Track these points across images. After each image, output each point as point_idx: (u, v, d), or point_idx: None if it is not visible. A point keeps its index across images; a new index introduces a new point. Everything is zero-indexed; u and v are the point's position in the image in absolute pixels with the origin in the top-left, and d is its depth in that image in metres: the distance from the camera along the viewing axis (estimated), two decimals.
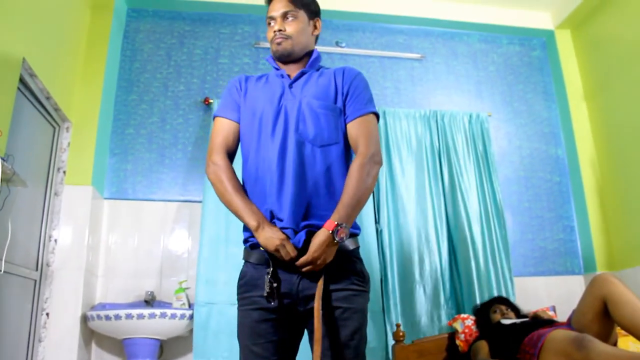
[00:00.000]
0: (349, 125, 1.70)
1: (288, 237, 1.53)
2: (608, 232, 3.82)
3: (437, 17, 4.14)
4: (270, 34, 1.77)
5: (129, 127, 3.61)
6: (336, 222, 1.50)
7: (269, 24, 1.79)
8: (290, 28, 1.74)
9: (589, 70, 4.12)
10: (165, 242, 3.43)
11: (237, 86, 1.80)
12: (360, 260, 1.66)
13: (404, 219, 3.55)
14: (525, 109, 4.18)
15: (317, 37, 1.87)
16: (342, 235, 1.49)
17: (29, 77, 2.60)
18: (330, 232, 1.49)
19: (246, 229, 1.63)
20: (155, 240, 3.42)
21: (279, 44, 1.74)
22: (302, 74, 1.75)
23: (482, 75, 4.21)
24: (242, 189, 1.67)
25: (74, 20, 3.26)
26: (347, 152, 1.71)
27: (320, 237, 1.50)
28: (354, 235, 1.63)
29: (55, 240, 3.02)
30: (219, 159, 1.68)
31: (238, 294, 1.64)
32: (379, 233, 3.49)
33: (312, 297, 1.54)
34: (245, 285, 1.62)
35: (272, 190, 1.59)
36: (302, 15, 1.77)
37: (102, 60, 3.41)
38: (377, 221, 3.52)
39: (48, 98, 2.87)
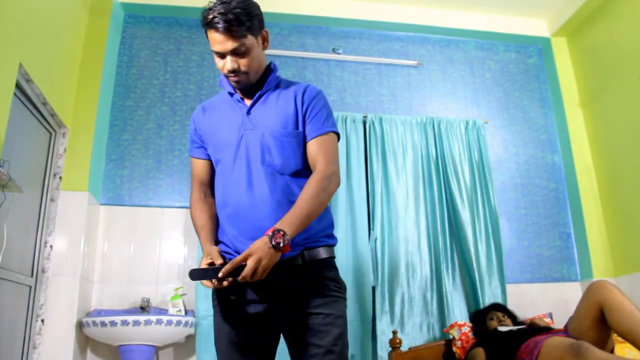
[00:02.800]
0: (308, 144, 1.63)
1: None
2: (604, 239, 3.82)
3: (433, 24, 4.16)
4: (223, 69, 1.59)
5: (125, 133, 3.60)
6: (275, 227, 1.42)
7: (217, 55, 1.58)
8: (243, 62, 1.56)
9: (585, 77, 4.13)
10: (162, 248, 3.42)
11: (195, 125, 1.76)
12: (336, 268, 1.64)
13: (398, 226, 3.55)
14: (521, 115, 4.20)
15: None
16: (278, 241, 1.39)
17: (25, 83, 2.60)
18: (268, 235, 1.41)
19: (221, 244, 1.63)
20: (151, 247, 3.41)
21: (237, 82, 1.60)
22: (259, 97, 1.66)
23: (479, 82, 4.23)
24: (209, 219, 1.66)
25: (71, 26, 3.26)
26: None
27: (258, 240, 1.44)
28: (329, 246, 1.62)
29: (51, 246, 3.01)
30: (193, 192, 1.73)
31: (213, 300, 1.64)
32: (372, 240, 3.48)
33: (290, 301, 1.53)
34: (219, 291, 1.60)
35: (236, 222, 1.57)
36: (251, 39, 1.55)
37: (98, 66, 3.41)
38: (371, 228, 3.52)
39: (44, 103, 2.86)
